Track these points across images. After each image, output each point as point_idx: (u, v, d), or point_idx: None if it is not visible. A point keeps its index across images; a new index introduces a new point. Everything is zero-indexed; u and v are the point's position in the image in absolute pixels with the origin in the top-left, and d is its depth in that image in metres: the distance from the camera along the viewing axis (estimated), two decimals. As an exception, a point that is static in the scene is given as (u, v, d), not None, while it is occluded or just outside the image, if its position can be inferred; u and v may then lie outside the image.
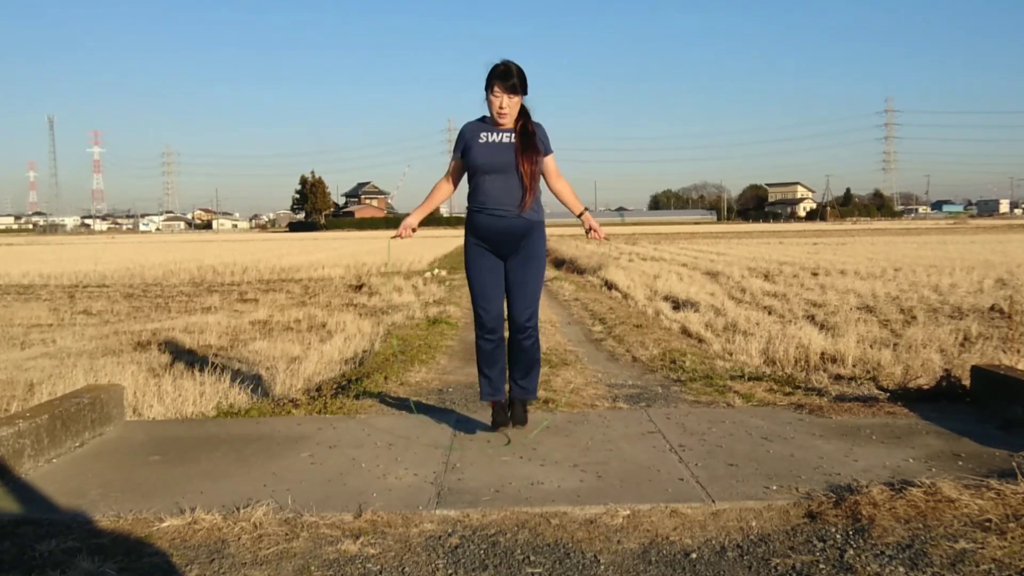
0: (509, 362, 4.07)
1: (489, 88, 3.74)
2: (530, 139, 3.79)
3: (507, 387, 4.15)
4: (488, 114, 3.84)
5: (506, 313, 4.03)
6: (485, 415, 4.57)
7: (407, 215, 4.11)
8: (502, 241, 3.86)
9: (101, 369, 6.31)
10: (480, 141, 3.81)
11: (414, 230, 4.05)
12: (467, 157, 3.85)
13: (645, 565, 2.66)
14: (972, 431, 4.01)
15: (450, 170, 4.01)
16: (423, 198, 4.18)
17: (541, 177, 3.90)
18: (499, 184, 3.79)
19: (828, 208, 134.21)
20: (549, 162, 3.93)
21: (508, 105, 3.74)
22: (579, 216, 4.01)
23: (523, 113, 3.84)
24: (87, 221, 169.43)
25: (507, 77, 3.70)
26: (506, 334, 4.08)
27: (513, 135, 3.81)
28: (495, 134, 3.81)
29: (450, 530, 2.95)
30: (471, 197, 3.91)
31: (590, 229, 3.98)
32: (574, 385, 5.79)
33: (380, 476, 3.51)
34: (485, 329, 3.98)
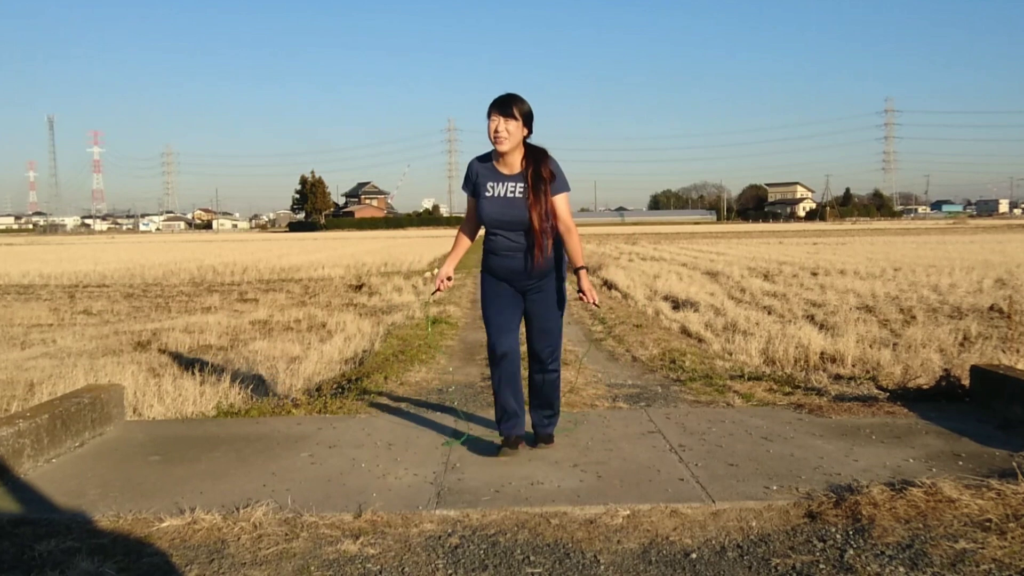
0: (531, 397, 3.93)
1: (488, 116, 3.58)
2: (539, 188, 3.57)
3: (527, 419, 3.95)
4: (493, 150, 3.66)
5: (526, 348, 3.87)
6: (485, 415, 4.57)
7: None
8: (518, 280, 3.72)
9: (101, 369, 6.31)
10: (487, 194, 3.64)
11: (450, 278, 3.85)
12: (477, 207, 3.71)
13: (645, 565, 2.66)
14: (972, 431, 4.01)
15: (468, 211, 3.88)
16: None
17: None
18: (510, 237, 3.65)
19: (828, 208, 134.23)
20: (560, 203, 3.64)
21: (503, 129, 3.53)
22: (576, 271, 3.73)
23: (534, 155, 3.63)
24: (87, 221, 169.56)
25: (502, 102, 3.55)
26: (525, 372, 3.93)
27: (520, 185, 3.60)
28: (501, 184, 3.62)
29: (450, 530, 2.95)
30: (485, 237, 3.79)
31: (580, 291, 3.73)
32: (574, 385, 5.79)
33: (380, 476, 3.51)
34: (498, 364, 3.76)
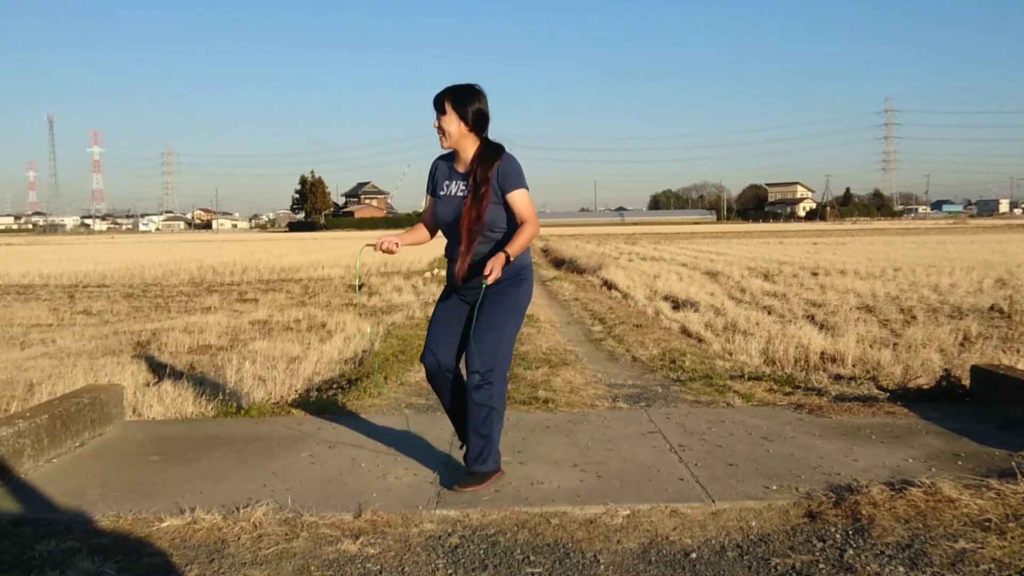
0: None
1: None
2: (477, 190, 3.27)
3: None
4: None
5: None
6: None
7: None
8: (459, 289, 3.40)
9: (101, 369, 6.31)
10: (441, 193, 3.44)
11: (397, 245, 3.34)
12: (434, 207, 3.49)
13: (645, 565, 2.66)
14: (972, 431, 4.01)
15: (425, 209, 3.62)
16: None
17: (495, 224, 3.32)
18: (454, 239, 3.41)
19: (828, 208, 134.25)
20: (516, 199, 3.29)
21: (440, 127, 3.33)
22: (504, 251, 3.21)
23: (485, 152, 3.34)
24: (87, 221, 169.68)
25: (436, 97, 3.35)
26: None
27: (466, 185, 3.35)
28: (454, 183, 3.40)
29: (450, 530, 2.95)
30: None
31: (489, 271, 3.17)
32: (574, 385, 5.79)
33: (380, 476, 3.51)
34: (428, 376, 3.49)
